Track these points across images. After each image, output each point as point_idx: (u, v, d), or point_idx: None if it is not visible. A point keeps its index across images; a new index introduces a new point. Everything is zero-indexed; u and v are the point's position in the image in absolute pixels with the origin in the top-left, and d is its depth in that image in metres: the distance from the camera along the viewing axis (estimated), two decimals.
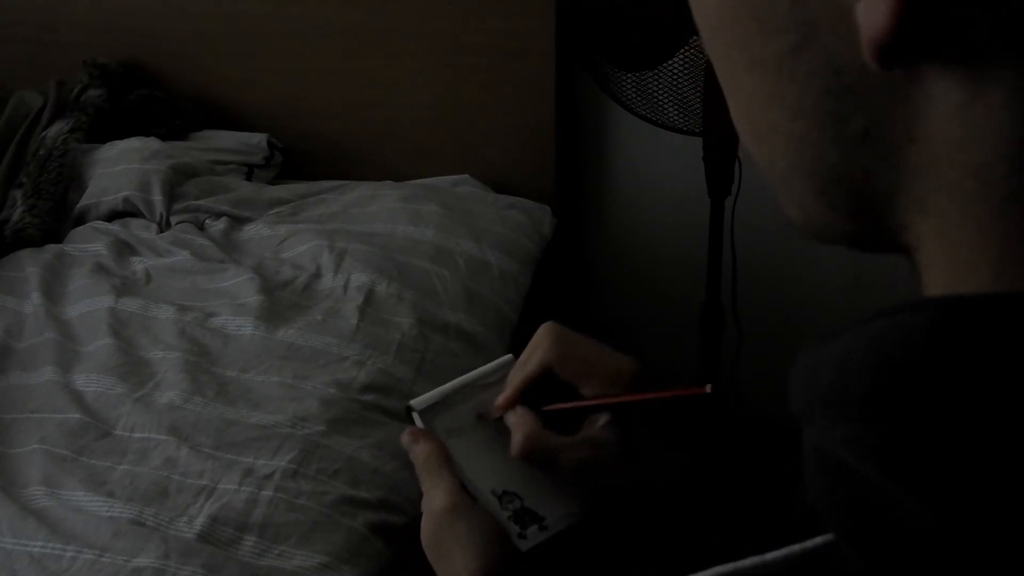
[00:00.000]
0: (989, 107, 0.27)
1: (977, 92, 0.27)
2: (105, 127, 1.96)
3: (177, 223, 1.80)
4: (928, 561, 0.26)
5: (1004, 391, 0.25)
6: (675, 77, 1.59)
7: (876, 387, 0.27)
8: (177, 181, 1.85)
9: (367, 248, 1.66)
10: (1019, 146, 0.27)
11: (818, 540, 0.31)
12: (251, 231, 1.78)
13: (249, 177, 1.97)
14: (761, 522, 0.40)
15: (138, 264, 1.68)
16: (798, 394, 0.31)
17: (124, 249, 1.73)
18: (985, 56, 0.26)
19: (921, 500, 0.26)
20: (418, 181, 1.95)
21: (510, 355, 0.70)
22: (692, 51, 1.57)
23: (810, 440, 0.30)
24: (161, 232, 1.79)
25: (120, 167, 1.85)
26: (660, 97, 1.62)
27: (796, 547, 0.31)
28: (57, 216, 1.84)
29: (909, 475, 0.27)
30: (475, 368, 0.73)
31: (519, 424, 0.64)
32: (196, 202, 1.82)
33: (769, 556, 0.31)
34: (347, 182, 1.93)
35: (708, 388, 0.58)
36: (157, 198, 1.81)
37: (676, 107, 1.62)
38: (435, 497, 0.63)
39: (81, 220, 1.84)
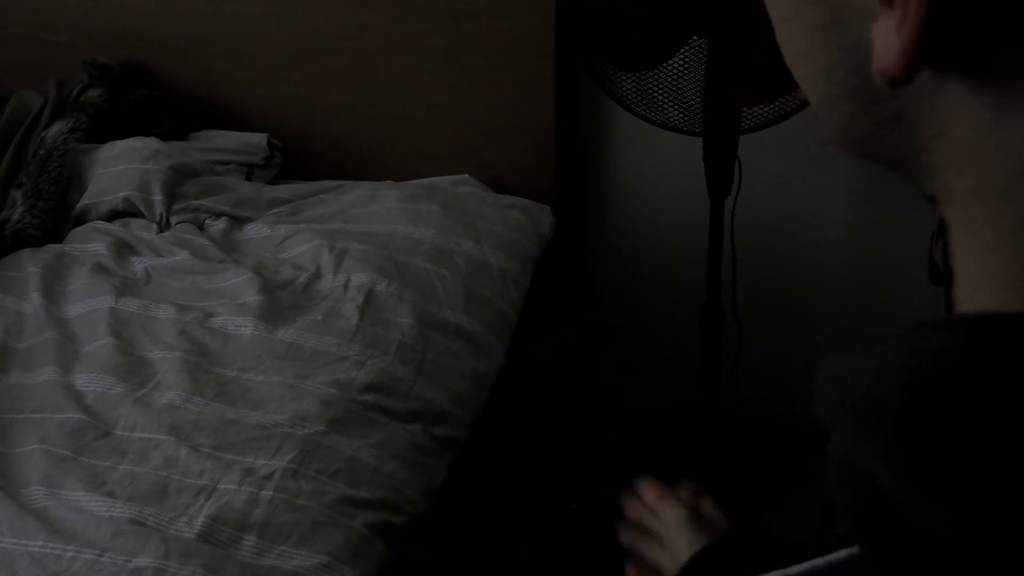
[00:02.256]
0: (1017, 128, 0.27)
1: (1003, 114, 0.27)
2: (105, 127, 1.96)
3: (177, 223, 1.80)
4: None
5: None
6: (675, 77, 1.59)
7: (911, 405, 0.27)
8: (177, 181, 1.85)
9: (367, 248, 1.66)
10: None
11: (842, 553, 0.31)
12: (251, 231, 1.78)
13: (249, 177, 1.97)
14: (775, 521, 0.40)
15: (138, 264, 1.68)
16: (826, 401, 0.31)
17: (124, 249, 1.73)
18: (1011, 80, 0.27)
19: (951, 519, 0.26)
20: (418, 181, 1.95)
21: None
22: (692, 51, 1.57)
23: (837, 451, 0.30)
24: (161, 232, 1.79)
25: (120, 167, 1.85)
26: (660, 97, 1.62)
27: (820, 560, 0.31)
28: (57, 216, 1.84)
29: (940, 493, 0.27)
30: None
31: None
32: (196, 202, 1.82)
33: (791, 571, 0.31)
34: (347, 182, 1.93)
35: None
36: (157, 198, 1.81)
37: (676, 107, 1.62)
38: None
39: (81, 220, 1.84)
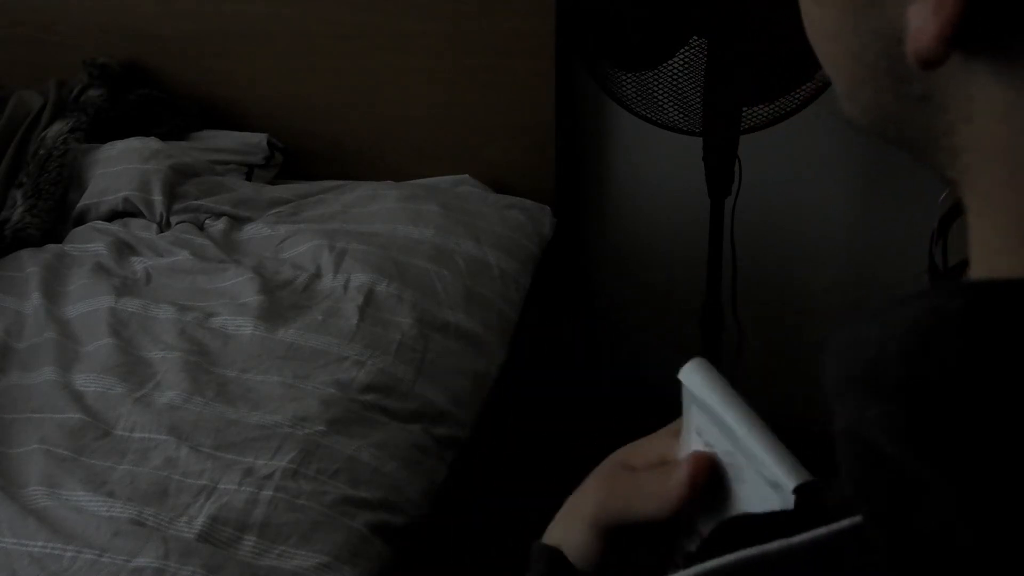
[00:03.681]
0: None
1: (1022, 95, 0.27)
2: (105, 127, 1.96)
3: (177, 223, 1.80)
4: (956, 544, 0.27)
5: None
6: (675, 77, 1.59)
7: (912, 370, 0.28)
8: (177, 181, 1.85)
9: (367, 248, 1.66)
10: None
11: (844, 523, 0.31)
12: (251, 231, 1.78)
13: (249, 177, 1.97)
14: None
15: (138, 264, 1.68)
16: (833, 372, 0.31)
17: (124, 249, 1.73)
18: None
19: (953, 482, 0.26)
20: (418, 181, 1.95)
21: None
22: (692, 51, 1.57)
23: (842, 421, 0.30)
24: (161, 232, 1.79)
25: (120, 167, 1.85)
26: (660, 97, 1.62)
27: (823, 530, 0.31)
28: (57, 216, 1.84)
29: (941, 456, 0.27)
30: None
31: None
32: (196, 202, 1.82)
33: (796, 539, 0.31)
34: (347, 182, 1.93)
35: None
36: (157, 198, 1.81)
37: (676, 107, 1.62)
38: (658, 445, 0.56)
39: (81, 220, 1.84)
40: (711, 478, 0.51)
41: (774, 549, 0.32)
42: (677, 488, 0.50)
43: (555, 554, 0.55)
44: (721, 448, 0.51)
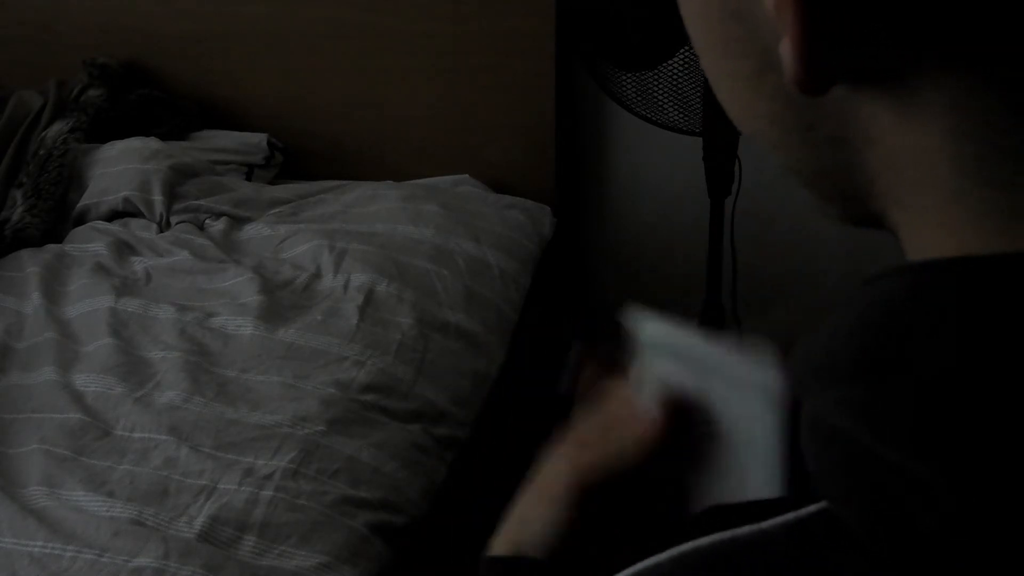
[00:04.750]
0: (921, 125, 0.29)
1: (906, 114, 0.29)
2: (105, 127, 1.96)
3: (177, 223, 1.80)
4: (920, 522, 0.27)
5: (979, 344, 0.27)
6: (675, 77, 1.59)
7: (863, 348, 0.29)
8: (177, 181, 1.85)
9: (367, 248, 1.66)
10: (953, 160, 0.29)
11: (812, 508, 0.31)
12: (251, 231, 1.78)
13: (249, 177, 1.97)
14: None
15: (138, 264, 1.68)
16: (796, 368, 0.33)
17: (124, 249, 1.73)
18: (906, 82, 0.29)
19: (909, 458, 0.27)
20: (418, 181, 1.95)
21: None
22: (692, 51, 1.57)
23: (807, 411, 0.31)
24: (161, 232, 1.79)
25: (120, 167, 1.85)
26: (660, 97, 1.62)
27: (791, 515, 0.32)
28: (57, 216, 1.84)
29: (897, 432, 0.28)
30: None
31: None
32: (196, 202, 1.82)
33: (766, 524, 0.32)
34: (347, 182, 1.93)
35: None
36: (157, 198, 1.81)
37: (676, 107, 1.62)
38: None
39: (81, 220, 1.84)
40: (687, 426, 0.50)
41: (744, 533, 0.32)
42: (650, 424, 0.49)
43: (510, 564, 0.53)
44: (696, 385, 0.49)
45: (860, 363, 0.29)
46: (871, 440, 0.28)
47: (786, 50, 0.29)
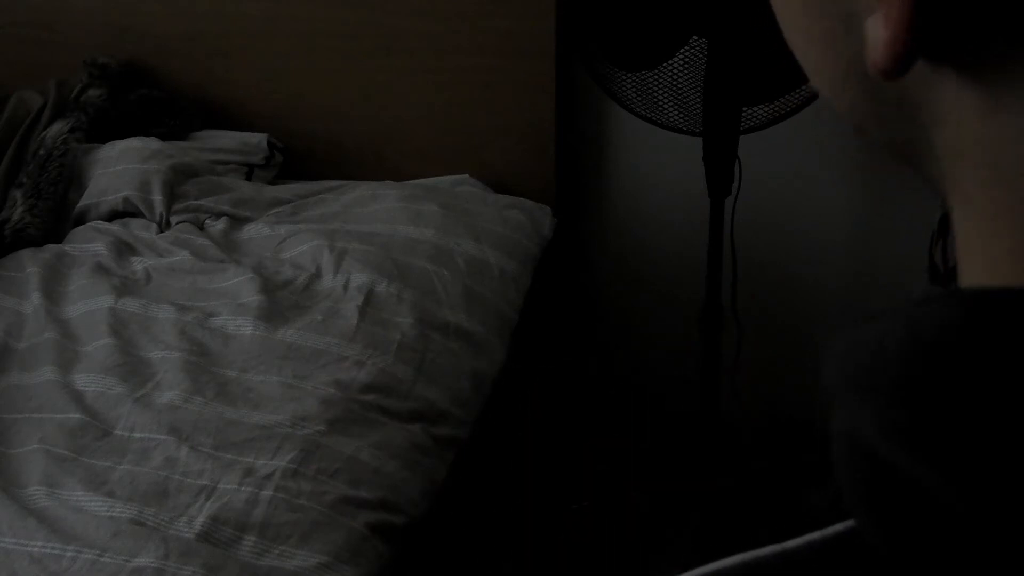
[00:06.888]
0: (1010, 116, 0.27)
1: (998, 102, 0.27)
2: (105, 127, 1.96)
3: (177, 223, 1.80)
4: (953, 548, 0.27)
5: None
6: (675, 77, 1.59)
7: (909, 373, 0.28)
8: (177, 181, 1.85)
9: (367, 248, 1.66)
10: None
11: (839, 527, 0.31)
12: (251, 231, 1.78)
13: (249, 177, 1.97)
14: (778, 518, 0.40)
15: (138, 264, 1.68)
16: (832, 374, 0.31)
17: (124, 249, 1.73)
18: (1004, 69, 0.27)
19: (949, 484, 0.27)
20: (418, 181, 1.95)
21: None
22: (692, 51, 1.57)
23: (839, 424, 0.31)
24: (161, 232, 1.79)
25: (120, 167, 1.85)
26: (660, 97, 1.62)
27: (817, 534, 0.31)
28: (57, 216, 1.84)
29: (938, 459, 0.27)
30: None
31: None
32: (196, 202, 1.82)
33: (790, 544, 0.31)
34: (347, 182, 1.93)
35: None
36: (157, 198, 1.81)
37: (676, 107, 1.63)
38: None
39: (81, 220, 1.84)
40: None
41: (768, 554, 0.32)
42: None
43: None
44: None
45: (905, 388, 0.28)
46: (910, 464, 0.28)
47: (873, 26, 0.28)
